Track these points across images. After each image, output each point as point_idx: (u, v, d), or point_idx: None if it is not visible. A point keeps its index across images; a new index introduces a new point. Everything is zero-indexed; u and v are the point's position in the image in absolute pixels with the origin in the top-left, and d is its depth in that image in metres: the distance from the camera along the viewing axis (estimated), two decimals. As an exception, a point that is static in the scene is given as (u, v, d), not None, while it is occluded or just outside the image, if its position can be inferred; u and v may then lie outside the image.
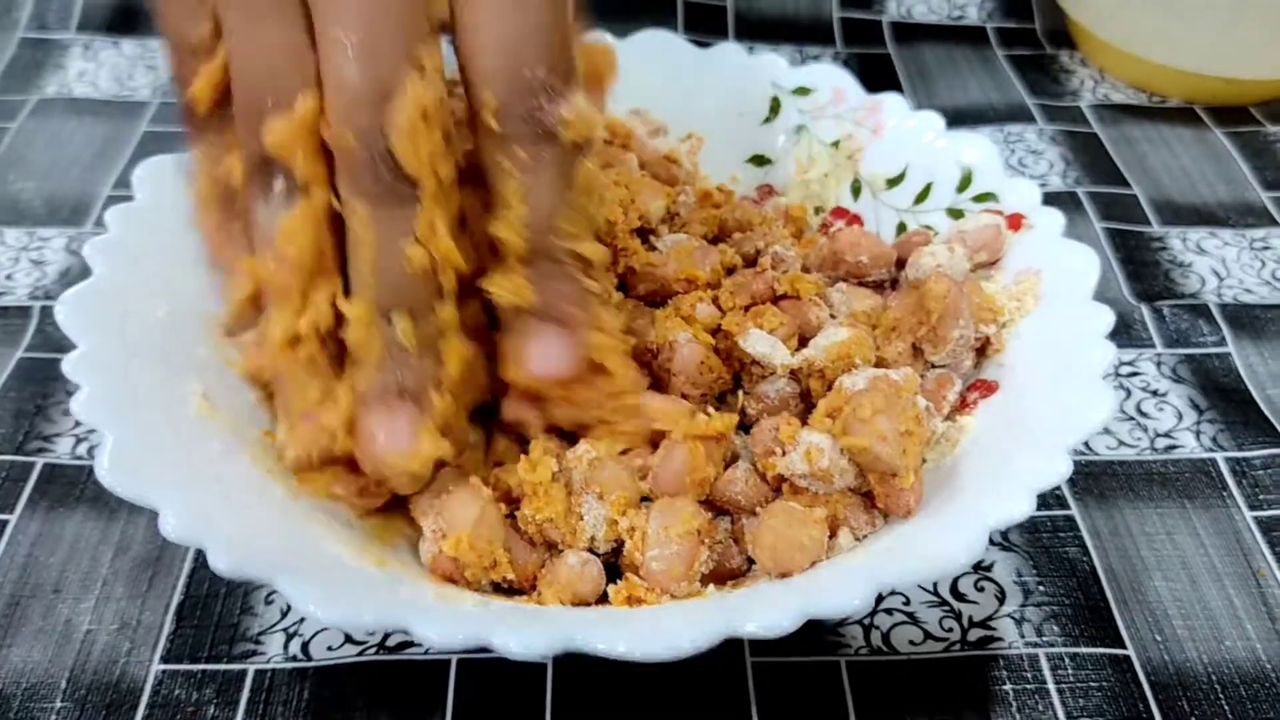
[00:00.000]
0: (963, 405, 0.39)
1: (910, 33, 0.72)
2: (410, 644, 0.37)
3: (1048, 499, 0.43)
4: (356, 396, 0.34)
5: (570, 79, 0.32)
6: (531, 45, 0.31)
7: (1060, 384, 0.35)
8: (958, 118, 0.61)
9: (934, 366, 0.39)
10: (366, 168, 0.31)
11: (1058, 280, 0.39)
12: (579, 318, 0.34)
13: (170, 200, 0.39)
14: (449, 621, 0.28)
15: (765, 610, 0.28)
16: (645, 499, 0.36)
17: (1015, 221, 0.42)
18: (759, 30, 0.70)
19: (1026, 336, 0.39)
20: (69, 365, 0.33)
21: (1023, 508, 0.30)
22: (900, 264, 0.43)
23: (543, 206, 0.33)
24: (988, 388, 0.39)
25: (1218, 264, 0.54)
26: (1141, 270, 0.54)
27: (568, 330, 0.34)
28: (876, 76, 0.67)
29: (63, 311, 0.34)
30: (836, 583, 0.30)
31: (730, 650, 0.37)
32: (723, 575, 0.35)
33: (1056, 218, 0.41)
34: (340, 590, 0.29)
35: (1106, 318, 0.36)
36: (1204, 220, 0.57)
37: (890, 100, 0.47)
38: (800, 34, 0.71)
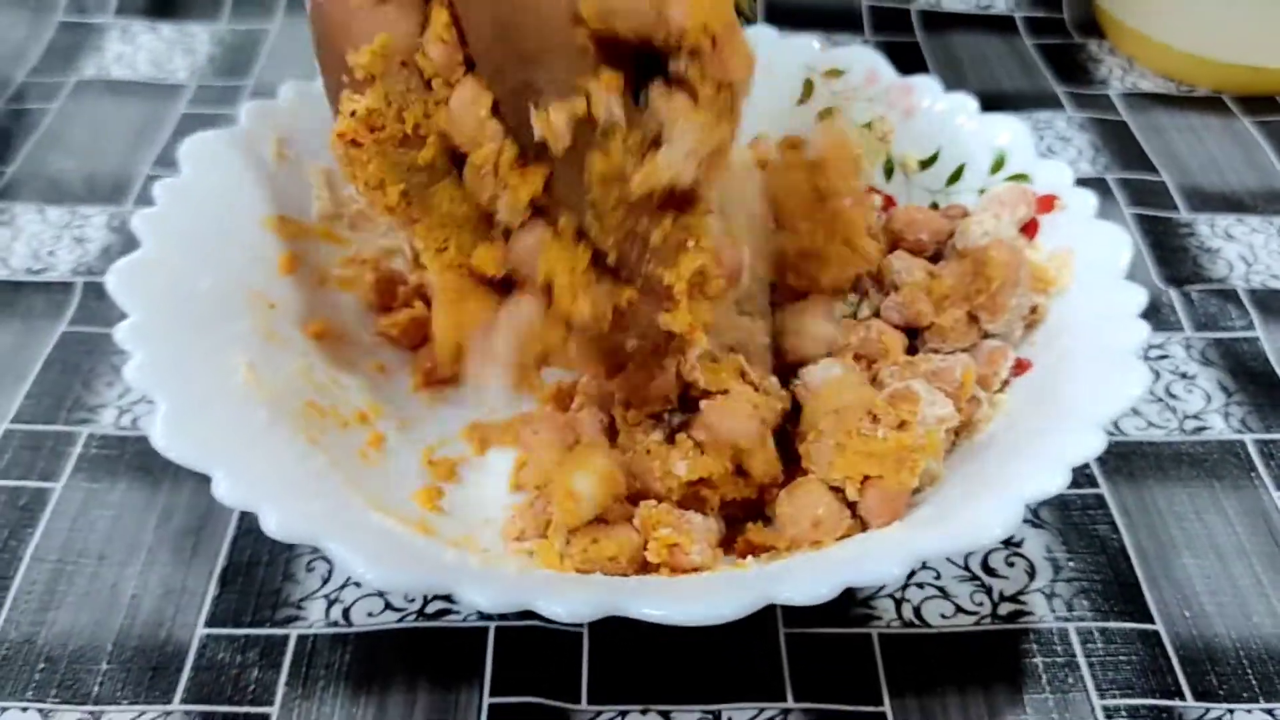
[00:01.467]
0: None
1: (939, 21, 0.72)
2: (448, 611, 0.37)
3: (1078, 477, 0.43)
4: None
5: None
6: None
7: (1093, 361, 0.35)
8: (987, 105, 0.60)
9: (988, 336, 0.40)
10: None
11: (1090, 260, 0.39)
12: None
13: (215, 176, 0.40)
14: (496, 586, 0.29)
15: (804, 579, 0.29)
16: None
17: (1048, 202, 0.42)
18: (789, 17, 0.69)
19: (1059, 316, 0.39)
20: (121, 333, 0.33)
21: (1057, 481, 0.30)
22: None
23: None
24: (1021, 365, 0.39)
25: (1245, 250, 0.54)
26: (1170, 255, 0.54)
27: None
28: (905, 65, 0.66)
29: (114, 281, 0.35)
30: (874, 553, 0.31)
31: (764, 621, 0.37)
32: (756, 548, 0.36)
33: (1089, 198, 0.41)
34: (388, 554, 0.30)
35: (1139, 297, 0.36)
36: (1231, 207, 0.57)
37: (923, 82, 0.47)
38: (830, 21, 0.71)
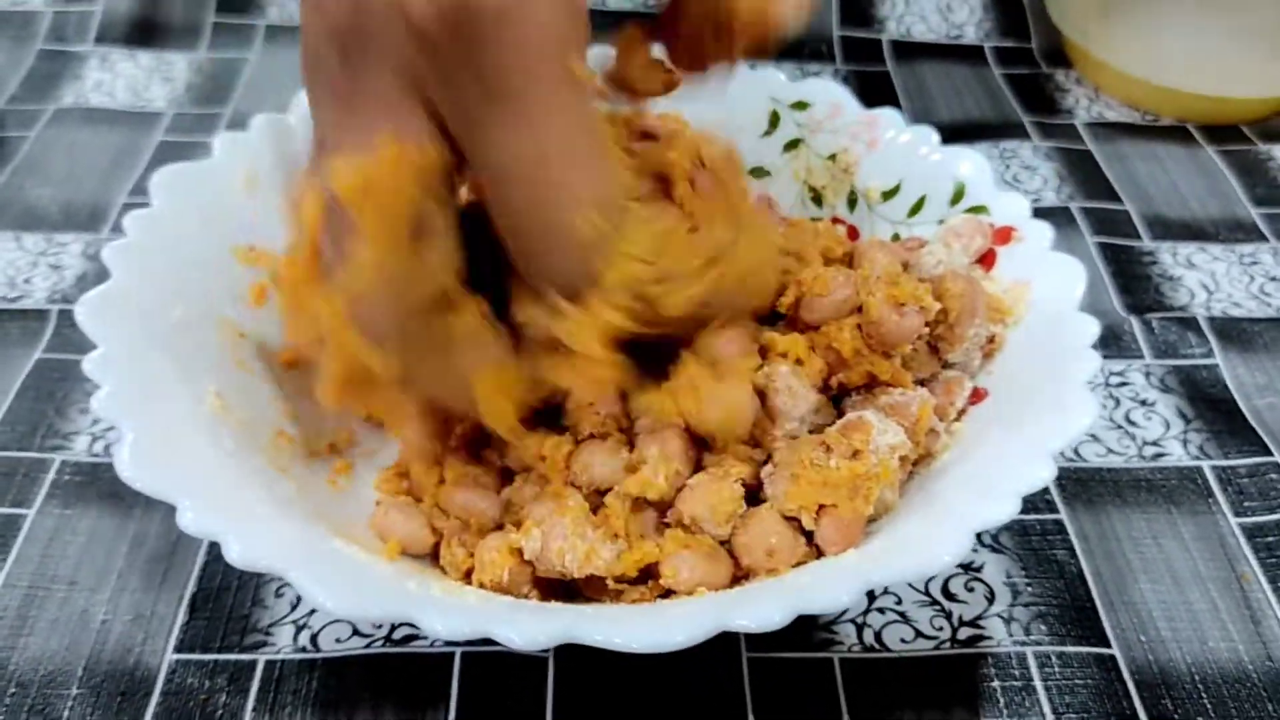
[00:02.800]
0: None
1: (909, 51, 0.73)
2: (415, 637, 0.38)
3: (1037, 503, 0.43)
4: None
5: None
6: None
7: (1045, 391, 0.36)
8: (955, 133, 0.62)
9: (948, 365, 0.40)
10: None
11: (1046, 291, 0.40)
12: None
13: (186, 207, 0.41)
14: (455, 614, 0.29)
15: (758, 606, 0.29)
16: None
17: (1005, 234, 0.43)
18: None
19: (1015, 346, 0.40)
20: (89, 364, 0.34)
21: (1007, 509, 0.31)
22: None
23: None
24: (977, 395, 0.40)
25: (1207, 278, 0.55)
26: (1132, 283, 0.55)
27: None
28: (876, 93, 0.68)
29: (83, 313, 0.35)
30: (828, 580, 0.31)
31: (727, 646, 0.38)
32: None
33: (1045, 230, 0.42)
34: (350, 583, 0.30)
35: (1092, 328, 0.37)
36: (1194, 235, 0.58)
37: (886, 115, 0.48)
38: (800, 51, 0.72)
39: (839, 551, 0.34)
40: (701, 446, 0.37)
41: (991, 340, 0.40)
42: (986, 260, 0.43)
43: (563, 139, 0.31)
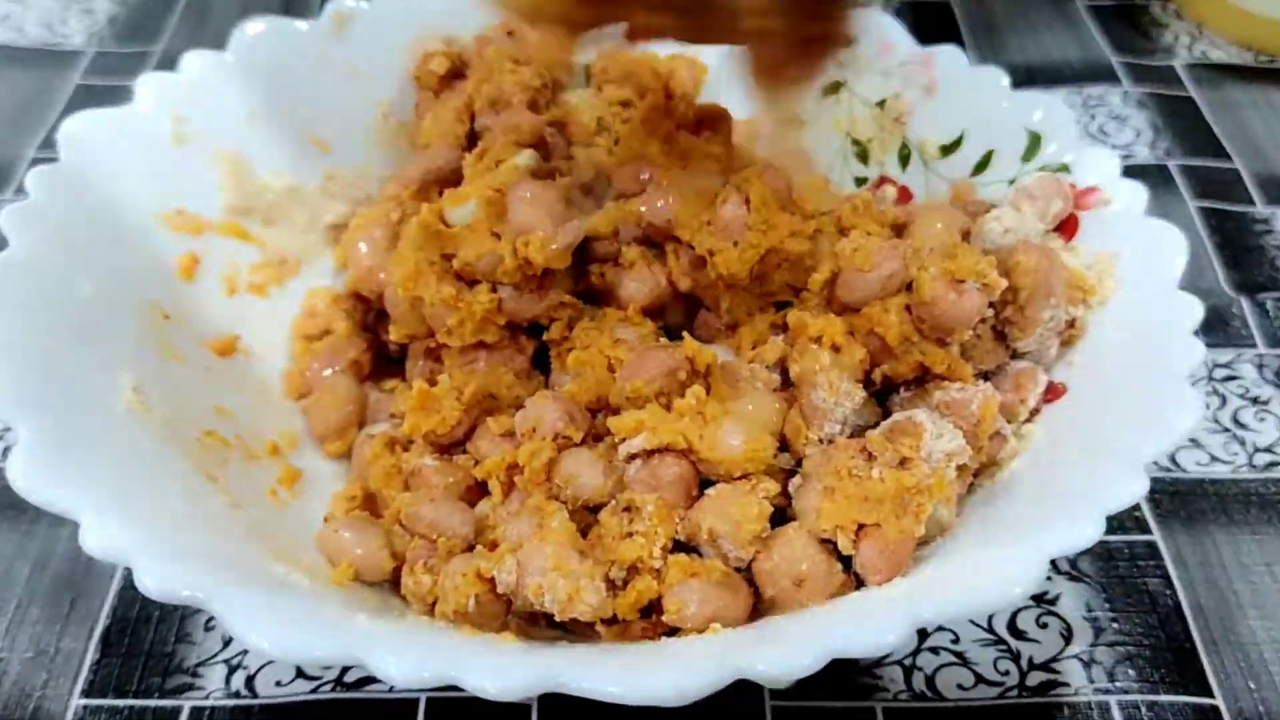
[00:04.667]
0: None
1: (975, -24, 0.72)
2: (371, 680, 0.37)
3: (1124, 522, 0.43)
4: None
5: None
6: None
7: (1137, 387, 0.35)
8: (1029, 77, 0.61)
9: (1017, 355, 0.39)
10: None
11: (1138, 266, 0.39)
12: None
13: (101, 163, 0.40)
14: (414, 655, 0.28)
15: (783, 648, 0.28)
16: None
17: (1089, 197, 0.42)
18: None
19: (1100, 332, 0.39)
20: (-21, 349, 0.33)
21: (1090, 532, 0.30)
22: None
23: None
24: (1054, 391, 0.39)
25: (1333, 250, 0.54)
26: (1242, 256, 0.54)
27: None
28: (935, 28, 0.67)
29: (-27, 288, 0.34)
30: (868, 616, 0.30)
31: (747, 694, 0.37)
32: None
33: (1139, 192, 0.41)
34: (289, 616, 0.29)
35: (1195, 311, 0.36)
36: (1319, 199, 0.57)
37: (945, 53, 0.47)
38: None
39: (883, 581, 0.33)
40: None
41: (1071, 325, 0.39)
42: (1067, 228, 0.42)
43: None
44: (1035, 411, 0.39)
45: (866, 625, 0.29)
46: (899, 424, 0.35)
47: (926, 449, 0.34)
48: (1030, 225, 0.41)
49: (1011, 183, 0.44)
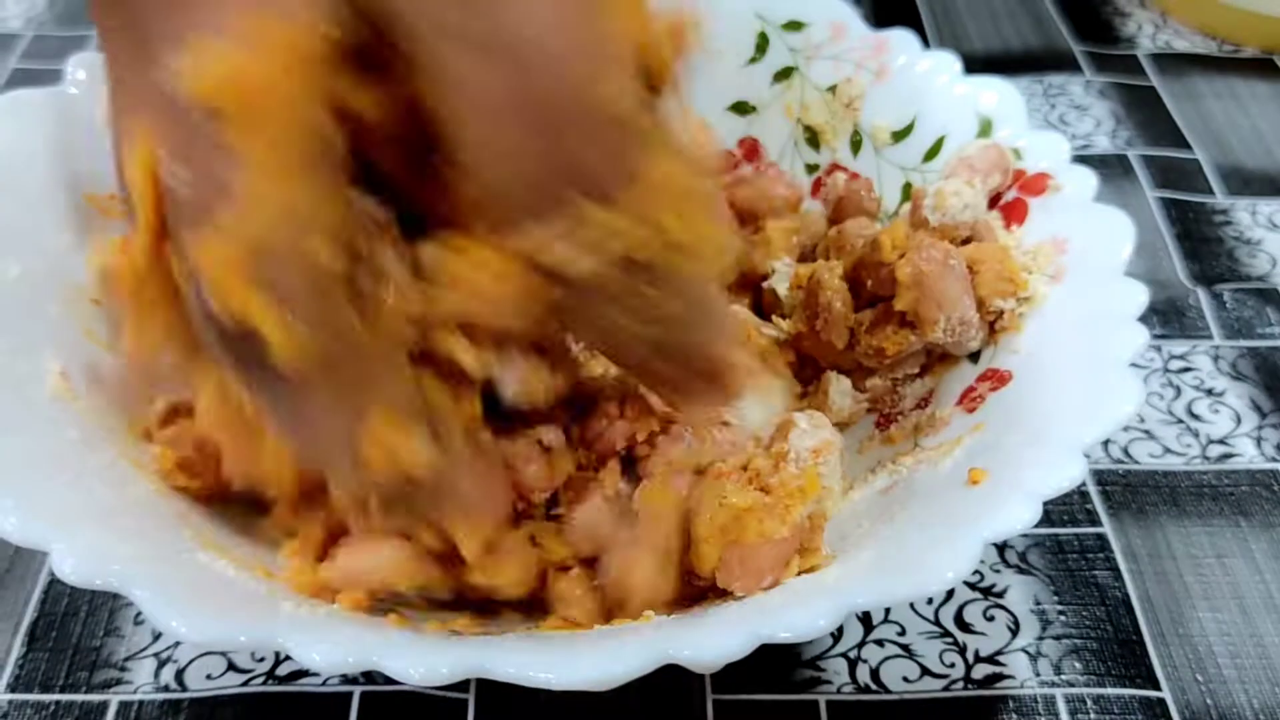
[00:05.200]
0: (969, 398, 0.39)
1: (937, -36, 0.72)
2: (303, 673, 0.37)
3: (1075, 513, 0.43)
4: None
5: None
6: None
7: (1080, 373, 0.35)
8: (989, 65, 0.61)
9: (935, 351, 0.41)
10: None
11: (1085, 251, 0.39)
12: None
13: (29, 143, 0.40)
14: (335, 642, 0.28)
15: (711, 633, 0.29)
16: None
17: (1039, 183, 0.42)
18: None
19: (1047, 317, 0.39)
20: (-106, 332, 0.33)
21: (1025, 517, 0.30)
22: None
23: None
24: (999, 378, 0.39)
25: (1293, 242, 0.55)
26: (1201, 247, 0.54)
27: None
28: (894, 14, 0.67)
29: (-110, 268, 0.35)
30: (799, 601, 0.31)
31: (686, 686, 0.37)
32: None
33: (1088, 178, 0.41)
34: (210, 604, 0.30)
35: (1139, 296, 0.36)
36: (1279, 190, 0.58)
37: (898, 38, 0.48)
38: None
39: (754, 587, 0.33)
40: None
41: (1001, 317, 0.40)
42: (1015, 213, 0.42)
43: None
44: (972, 399, 0.39)
45: (797, 610, 0.29)
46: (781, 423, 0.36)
47: (793, 449, 0.35)
48: (980, 203, 0.41)
49: (961, 165, 0.45)
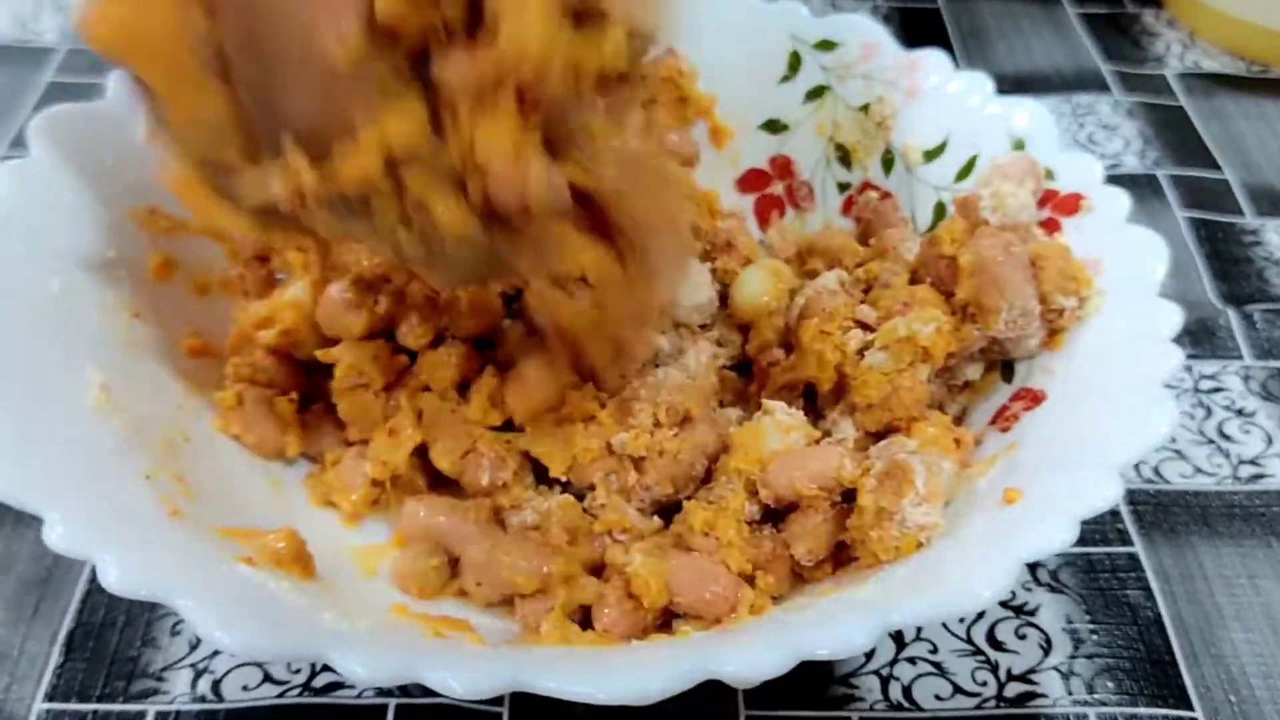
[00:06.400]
0: (1004, 417, 0.39)
1: (965, -17, 0.73)
2: (339, 685, 0.38)
3: (1106, 533, 0.43)
4: None
5: None
6: None
7: (1115, 393, 0.36)
8: (1018, 85, 0.62)
9: (996, 344, 0.41)
10: None
11: (1119, 272, 0.40)
12: None
13: (72, 158, 0.40)
14: (379, 655, 0.29)
15: (751, 649, 0.29)
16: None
17: (1072, 203, 0.42)
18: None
19: (1081, 337, 0.40)
20: (-57, 343, 0.33)
21: (1062, 537, 0.31)
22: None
23: None
24: (1033, 398, 0.39)
25: (1323, 263, 0.55)
26: (1231, 268, 0.54)
27: None
28: (924, 35, 0.68)
29: (-60, 283, 0.35)
30: (838, 619, 0.31)
31: (720, 701, 0.37)
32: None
33: (1121, 199, 0.41)
34: (252, 615, 0.30)
35: (1173, 317, 0.36)
36: (1308, 211, 0.58)
37: (930, 58, 0.48)
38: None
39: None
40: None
41: (1061, 315, 0.40)
42: (1048, 231, 0.43)
43: None
44: (1006, 419, 0.39)
45: (837, 627, 0.29)
46: (894, 464, 0.36)
47: (903, 512, 0.35)
48: (1032, 204, 0.42)
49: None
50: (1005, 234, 0.40)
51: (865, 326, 0.40)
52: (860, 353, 0.40)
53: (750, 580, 0.36)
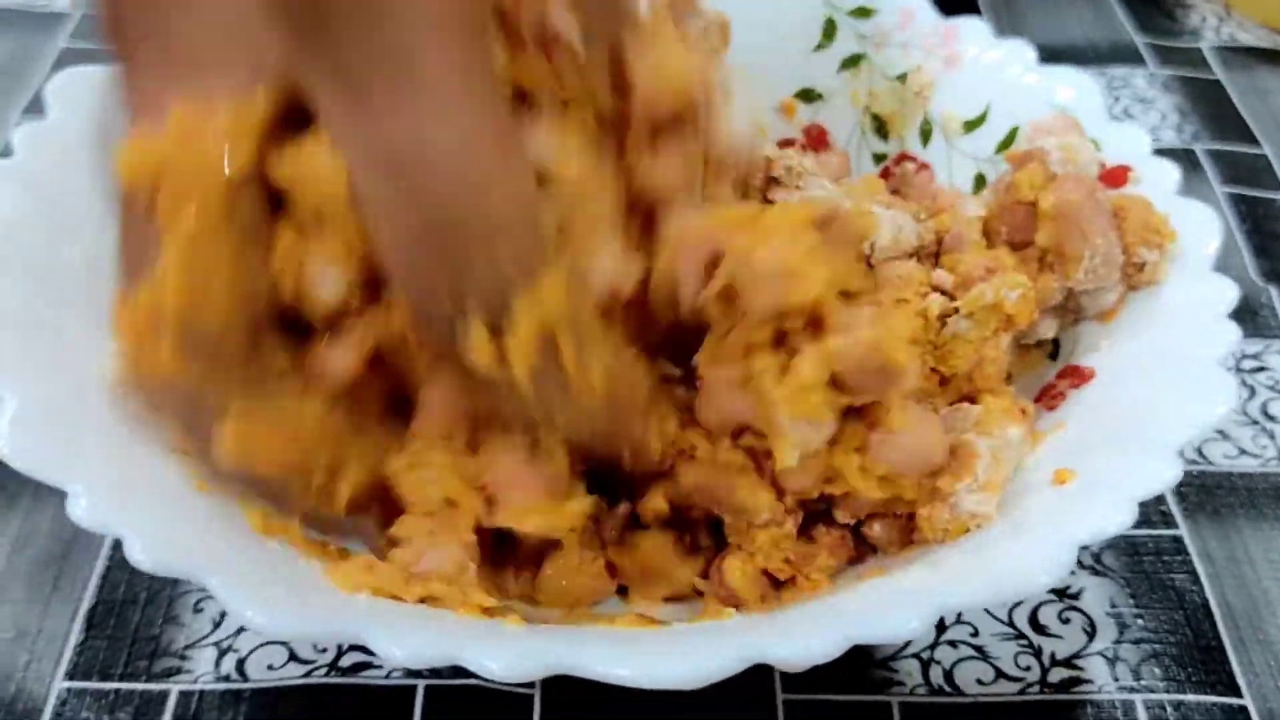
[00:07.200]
0: (1050, 395, 0.39)
1: (996, -46, 0.72)
2: (367, 665, 0.37)
3: (1150, 515, 0.42)
4: None
5: None
6: None
7: (1169, 371, 0.35)
8: (1052, 57, 0.60)
9: (1071, 298, 0.40)
10: None
11: (1170, 246, 0.39)
12: None
13: (91, 120, 0.39)
14: (416, 635, 0.28)
15: (801, 633, 0.28)
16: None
17: (1119, 175, 0.42)
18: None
19: (1130, 313, 0.39)
20: (-38, 314, 0.33)
21: (1120, 519, 0.30)
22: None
23: None
24: (1080, 375, 0.39)
25: (1367, 240, 0.54)
26: (1272, 245, 0.54)
27: None
28: (952, 5, 0.67)
29: (-45, 250, 0.34)
30: (890, 604, 0.30)
31: (758, 684, 0.37)
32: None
33: (1170, 171, 0.41)
34: (285, 594, 0.29)
35: (1229, 293, 0.36)
36: (1351, 187, 0.57)
37: (969, 25, 0.47)
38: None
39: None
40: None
41: (1142, 270, 0.39)
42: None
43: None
44: (1052, 397, 0.39)
45: (889, 612, 0.28)
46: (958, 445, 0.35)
47: (957, 497, 0.34)
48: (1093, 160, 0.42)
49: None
50: (1087, 179, 0.39)
51: (944, 293, 0.39)
52: (942, 319, 0.38)
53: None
